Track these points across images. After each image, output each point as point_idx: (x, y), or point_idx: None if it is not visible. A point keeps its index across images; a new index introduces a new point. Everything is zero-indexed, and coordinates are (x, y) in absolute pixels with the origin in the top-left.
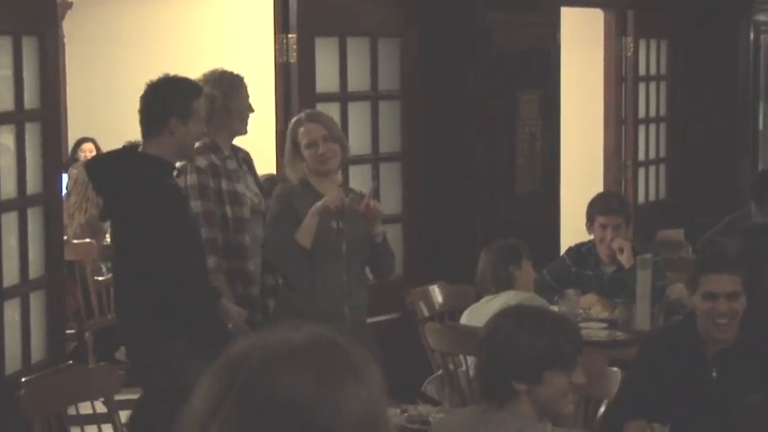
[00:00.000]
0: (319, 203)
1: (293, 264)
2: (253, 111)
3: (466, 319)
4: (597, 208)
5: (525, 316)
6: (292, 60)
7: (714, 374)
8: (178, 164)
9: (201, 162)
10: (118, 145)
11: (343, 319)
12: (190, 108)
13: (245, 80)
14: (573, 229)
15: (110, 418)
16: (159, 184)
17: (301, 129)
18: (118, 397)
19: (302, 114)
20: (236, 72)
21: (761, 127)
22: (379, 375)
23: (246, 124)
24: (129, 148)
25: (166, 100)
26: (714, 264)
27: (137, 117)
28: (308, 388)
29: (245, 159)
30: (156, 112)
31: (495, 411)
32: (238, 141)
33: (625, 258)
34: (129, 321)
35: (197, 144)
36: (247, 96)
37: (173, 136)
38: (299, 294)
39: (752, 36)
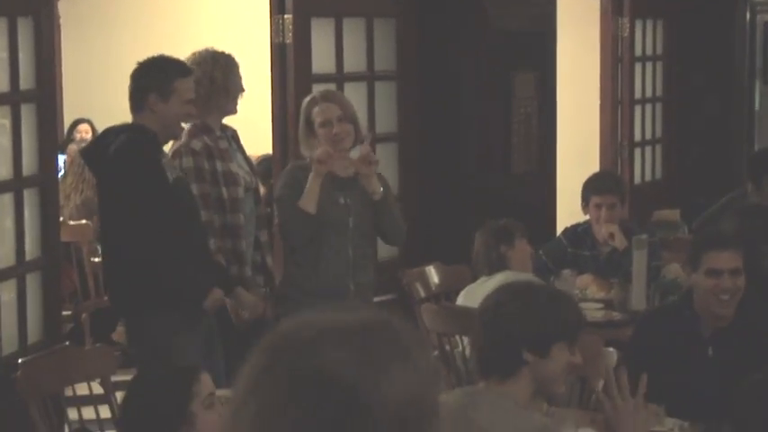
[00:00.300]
0: (314, 166)
1: (300, 233)
2: (244, 90)
3: (462, 299)
4: (592, 188)
5: (537, 289)
6: (288, 41)
7: (711, 353)
8: (172, 144)
9: (196, 144)
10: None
11: (347, 295)
12: (170, 86)
13: (241, 61)
14: (569, 210)
15: (106, 399)
16: (136, 154)
17: (316, 108)
18: (114, 378)
19: (317, 93)
20: (227, 52)
21: (757, 107)
22: (431, 361)
23: (237, 104)
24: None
25: (146, 77)
26: (716, 241)
27: None
28: (350, 367)
29: (233, 137)
30: (137, 87)
31: (486, 392)
32: (232, 121)
33: (618, 241)
34: (112, 297)
35: (188, 126)
36: (239, 76)
37: (154, 114)
38: (304, 270)
39: (748, 16)
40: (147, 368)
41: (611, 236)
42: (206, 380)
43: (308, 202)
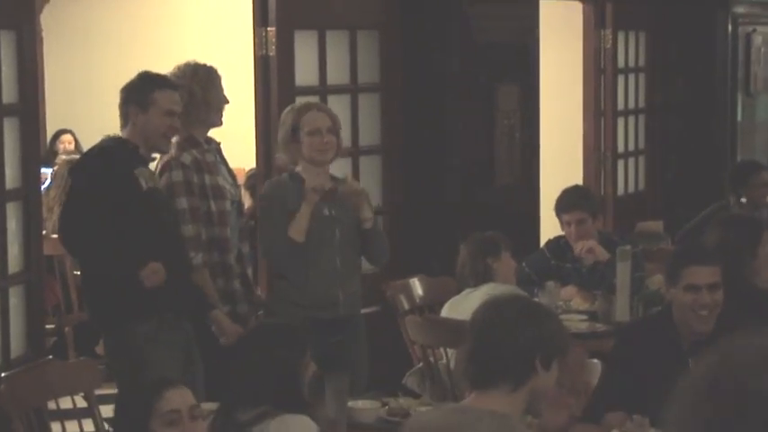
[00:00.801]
0: (307, 195)
1: (288, 260)
2: (228, 102)
3: (446, 311)
4: (559, 206)
5: (534, 304)
6: (271, 53)
7: (691, 366)
8: (161, 157)
9: (186, 158)
10: (96, 138)
11: (337, 305)
12: (148, 98)
13: (225, 74)
14: (552, 221)
15: (90, 412)
16: (97, 161)
17: (307, 115)
18: (98, 392)
19: (308, 103)
20: (209, 64)
21: (739, 118)
22: None
23: (222, 116)
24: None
25: (127, 89)
26: (695, 256)
27: (115, 110)
28: None
29: (217, 150)
30: (121, 101)
31: (483, 410)
32: (217, 133)
33: (599, 253)
34: (88, 309)
35: (176, 139)
36: (222, 88)
37: (135, 126)
38: (292, 282)
39: (730, 28)
40: (123, 381)
41: (590, 251)
42: (172, 396)
43: (299, 230)
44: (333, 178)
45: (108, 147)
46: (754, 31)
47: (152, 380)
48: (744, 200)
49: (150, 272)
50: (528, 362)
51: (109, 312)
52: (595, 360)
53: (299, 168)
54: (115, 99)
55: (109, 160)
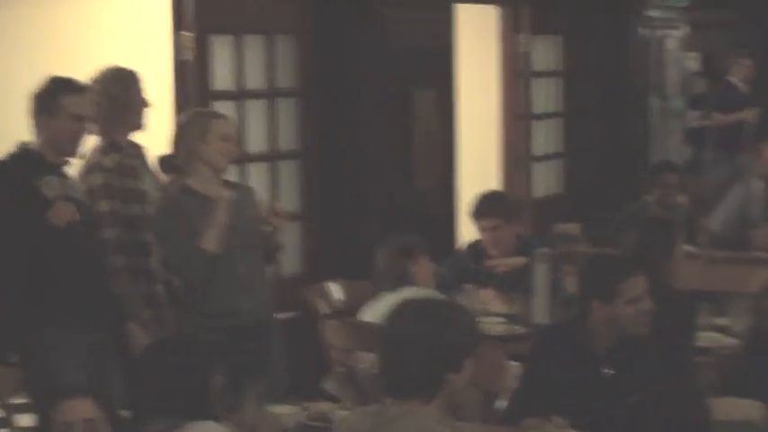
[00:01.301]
0: (219, 203)
1: (201, 274)
2: (148, 105)
3: (365, 315)
4: (474, 212)
5: (443, 305)
6: (189, 58)
7: (605, 371)
8: (85, 161)
9: (108, 162)
10: (10, 145)
11: (241, 313)
12: (56, 102)
13: (143, 77)
14: (471, 225)
15: (7, 422)
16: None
17: (218, 121)
18: (14, 400)
19: (215, 111)
20: (129, 68)
21: (653, 121)
22: None
23: (142, 119)
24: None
25: (35, 96)
26: (628, 268)
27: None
28: None
29: (141, 154)
30: (30, 108)
31: (403, 414)
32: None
33: (511, 264)
34: None
35: (100, 143)
36: (143, 91)
37: (45, 131)
38: (196, 293)
39: (643, 32)
40: (30, 388)
41: (505, 266)
42: (68, 407)
43: (212, 240)
44: (227, 183)
45: (3, 161)
46: (667, 35)
47: (51, 389)
48: (651, 199)
49: (59, 210)
50: (438, 376)
51: (17, 318)
52: (514, 362)
53: (189, 181)
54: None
55: (3, 176)
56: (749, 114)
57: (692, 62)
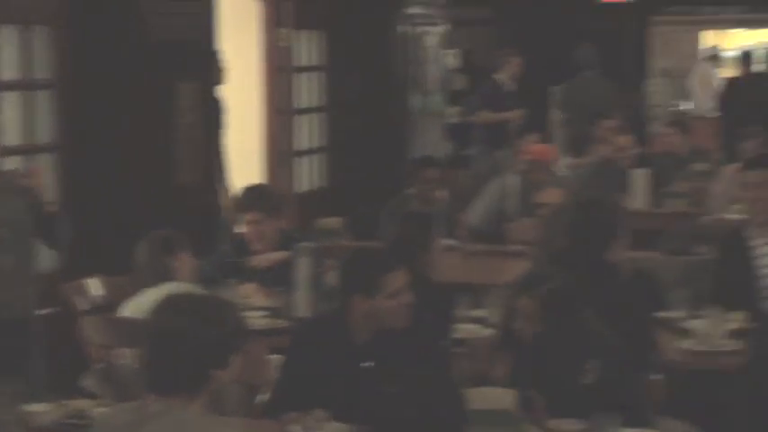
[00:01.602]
0: None
1: None
2: None
3: (125, 311)
4: (237, 205)
5: (205, 301)
6: None
7: (365, 363)
8: None
9: None
10: None
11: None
12: None
13: None
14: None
15: None
16: None
17: None
18: None
19: None
20: None
21: (414, 116)
22: None
23: None
24: None
25: None
26: (390, 262)
27: None
28: None
29: None
30: None
31: (165, 411)
32: None
33: (273, 260)
34: None
35: None
36: None
37: None
38: None
39: (403, 29)
40: None
41: (267, 260)
42: None
43: None
44: None
45: None
46: (427, 32)
47: None
48: (412, 193)
49: None
50: (203, 373)
51: None
52: (275, 355)
53: None
54: None
55: None
56: (515, 115)
57: (452, 59)
